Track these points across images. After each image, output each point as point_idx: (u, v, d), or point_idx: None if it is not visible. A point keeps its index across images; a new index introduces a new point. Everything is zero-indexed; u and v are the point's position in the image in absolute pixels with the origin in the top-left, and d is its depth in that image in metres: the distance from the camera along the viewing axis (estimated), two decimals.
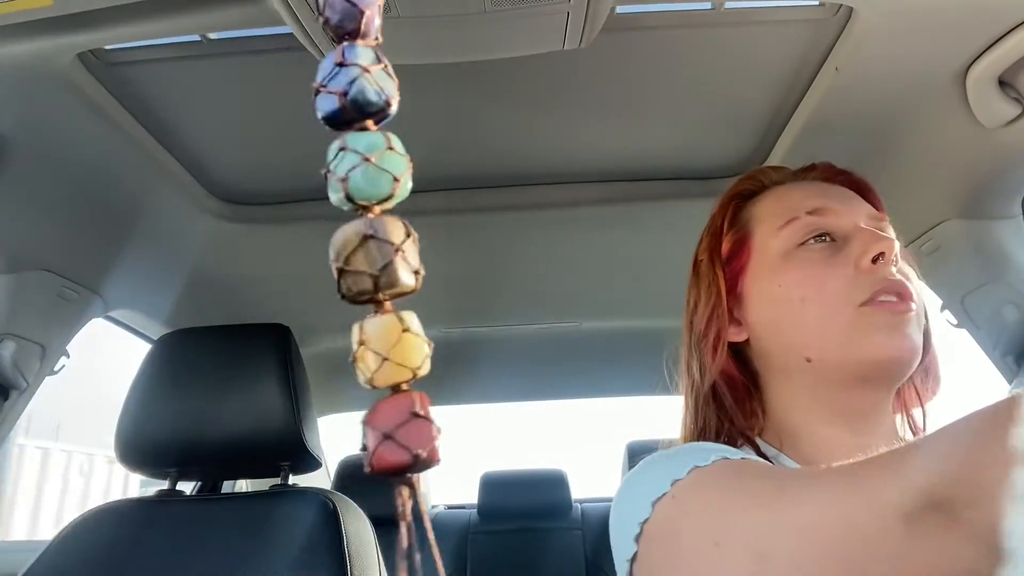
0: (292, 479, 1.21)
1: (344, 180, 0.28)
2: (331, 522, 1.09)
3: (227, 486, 1.71)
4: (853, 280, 0.63)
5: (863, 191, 0.74)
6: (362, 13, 0.29)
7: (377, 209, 0.29)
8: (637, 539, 0.57)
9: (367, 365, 0.28)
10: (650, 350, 0.98)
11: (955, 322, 1.20)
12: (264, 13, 0.71)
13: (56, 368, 1.27)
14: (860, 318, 0.62)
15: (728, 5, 0.81)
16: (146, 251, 1.28)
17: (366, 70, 0.29)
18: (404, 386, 0.29)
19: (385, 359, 0.28)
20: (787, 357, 0.66)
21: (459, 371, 2.29)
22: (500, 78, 0.94)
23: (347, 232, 0.29)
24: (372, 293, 0.28)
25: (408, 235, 0.29)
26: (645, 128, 1.07)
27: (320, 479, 2.33)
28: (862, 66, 0.84)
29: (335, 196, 0.28)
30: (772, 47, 0.89)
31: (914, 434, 0.69)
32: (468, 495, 2.63)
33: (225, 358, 1.15)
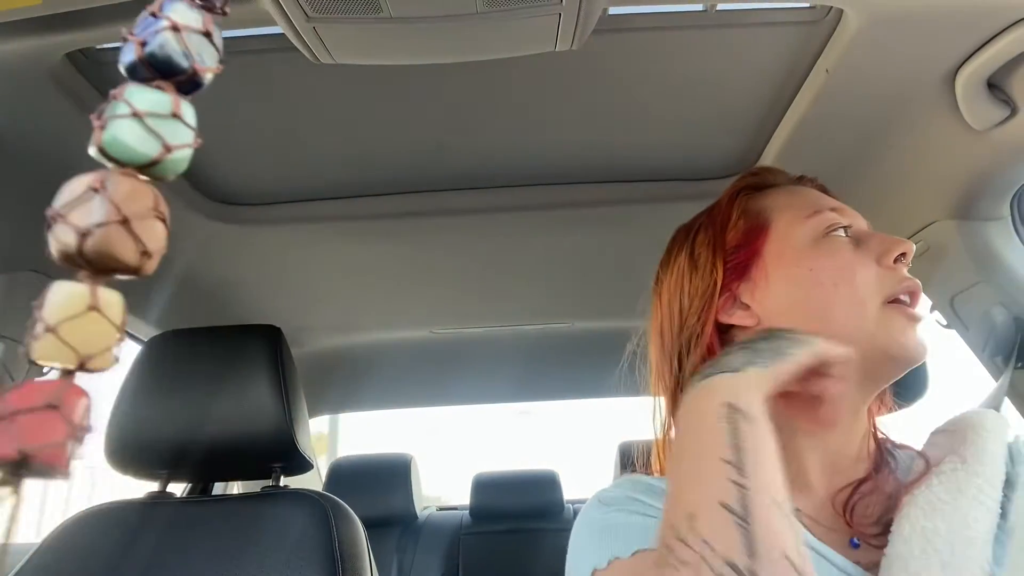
0: (283, 480, 1.21)
1: (102, 128, 0.25)
2: (322, 524, 1.08)
3: (218, 488, 1.70)
4: (879, 275, 0.65)
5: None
6: None
7: (131, 171, 0.25)
8: None
9: (31, 331, 0.24)
10: (642, 351, 0.98)
11: (944, 323, 1.20)
12: (255, 14, 0.71)
13: (44, 370, 1.26)
14: (884, 313, 0.64)
15: (720, 7, 0.82)
16: None
17: (175, 27, 0.25)
18: (74, 375, 0.24)
19: (49, 330, 0.23)
20: None
21: (450, 372, 2.29)
22: (492, 79, 0.94)
23: (78, 181, 0.25)
24: (77, 255, 0.24)
25: (155, 209, 0.25)
26: (636, 129, 1.07)
27: (312, 481, 2.33)
28: (852, 68, 0.85)
29: (91, 148, 0.25)
30: (763, 49, 0.89)
31: (876, 442, 0.71)
32: (461, 496, 2.63)
33: (216, 359, 1.15)
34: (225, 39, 0.92)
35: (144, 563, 1.03)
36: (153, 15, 0.25)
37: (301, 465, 1.20)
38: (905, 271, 0.67)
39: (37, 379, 0.23)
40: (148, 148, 0.25)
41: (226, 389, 1.12)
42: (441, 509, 2.68)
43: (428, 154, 1.12)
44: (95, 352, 0.24)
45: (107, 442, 1.11)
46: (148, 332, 1.49)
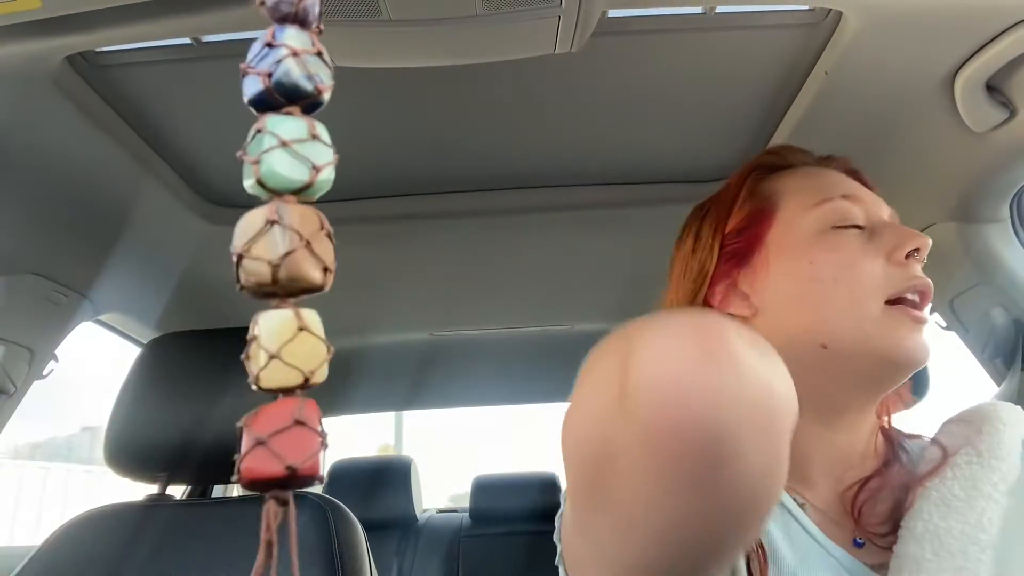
0: None
1: (257, 163, 0.26)
2: (322, 526, 1.08)
3: (218, 490, 1.70)
4: (885, 272, 0.62)
5: (874, 192, 0.72)
6: None
7: (291, 198, 0.26)
8: (559, 537, 0.58)
9: (255, 362, 0.26)
10: None
11: (944, 324, 1.20)
12: (255, 16, 0.71)
13: (44, 372, 1.26)
14: (886, 313, 0.61)
15: (719, 9, 0.82)
16: (136, 254, 1.27)
17: (295, 52, 0.27)
18: (297, 392, 0.26)
19: (273, 357, 0.25)
20: (800, 339, 0.62)
21: (450, 375, 2.29)
22: (491, 82, 0.94)
23: (252, 217, 0.26)
24: (270, 285, 0.26)
25: (322, 228, 0.27)
26: (635, 132, 1.07)
27: None
28: (851, 70, 0.85)
29: (247, 181, 0.26)
30: (762, 51, 0.89)
31: (886, 438, 0.68)
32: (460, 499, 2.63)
33: (216, 361, 1.15)
34: (224, 42, 0.92)
35: (143, 565, 1.03)
36: (269, 45, 0.27)
37: None
38: (918, 268, 0.63)
39: (278, 401, 0.26)
40: (300, 174, 0.26)
41: (225, 391, 1.12)
42: (441, 512, 2.68)
43: (426, 157, 1.12)
44: (314, 368, 0.26)
45: (107, 444, 1.11)
46: (148, 335, 1.49)
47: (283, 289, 0.26)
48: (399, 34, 0.73)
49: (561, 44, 0.76)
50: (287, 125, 0.26)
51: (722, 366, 0.35)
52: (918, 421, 0.75)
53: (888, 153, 1.02)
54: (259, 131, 0.26)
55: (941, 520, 0.54)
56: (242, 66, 0.27)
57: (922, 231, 1.11)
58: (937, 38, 0.78)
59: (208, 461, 1.13)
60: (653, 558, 0.40)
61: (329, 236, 0.27)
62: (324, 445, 0.26)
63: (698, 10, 0.82)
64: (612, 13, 0.80)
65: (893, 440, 0.67)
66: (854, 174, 0.73)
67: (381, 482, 2.41)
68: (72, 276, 1.24)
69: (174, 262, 1.35)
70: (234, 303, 1.55)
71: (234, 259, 0.26)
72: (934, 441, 0.64)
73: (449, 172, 1.17)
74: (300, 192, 0.26)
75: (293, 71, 0.26)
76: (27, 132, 0.92)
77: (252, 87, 0.27)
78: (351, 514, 1.14)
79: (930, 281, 0.63)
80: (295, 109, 0.27)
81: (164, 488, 1.16)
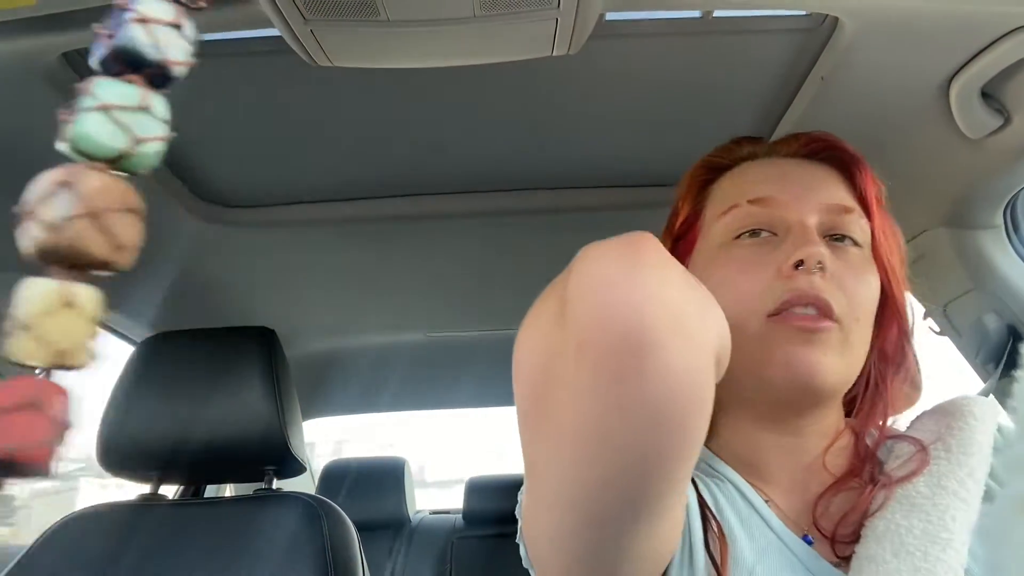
0: (276, 483, 1.20)
1: (69, 121, 0.24)
2: (315, 527, 1.08)
3: (210, 490, 1.69)
4: (768, 287, 0.58)
5: (849, 170, 0.66)
6: None
7: (101, 166, 0.24)
8: (519, 512, 0.58)
9: (6, 331, 0.23)
10: None
11: (937, 329, 1.21)
12: (251, 15, 0.71)
13: (37, 371, 1.25)
14: (768, 331, 0.57)
15: (716, 14, 0.82)
16: None
17: (144, 19, 0.25)
18: (44, 372, 0.23)
19: (23, 328, 0.23)
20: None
21: (445, 375, 2.28)
22: (488, 83, 0.94)
23: (48, 176, 0.24)
24: (45, 250, 0.24)
25: (127, 204, 0.24)
26: (631, 135, 1.07)
27: (305, 484, 2.32)
28: (847, 76, 0.85)
29: (59, 143, 0.24)
30: (759, 56, 0.89)
31: (857, 441, 0.64)
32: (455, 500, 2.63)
33: (210, 361, 1.14)
34: (221, 41, 0.92)
35: (135, 565, 1.03)
36: (121, 8, 0.25)
37: (294, 468, 1.19)
38: (810, 278, 0.57)
39: (14, 378, 0.23)
40: (116, 141, 0.24)
41: (219, 391, 1.11)
42: (434, 513, 2.67)
43: (424, 158, 1.12)
44: (71, 348, 0.23)
45: (99, 444, 1.11)
46: (141, 333, 1.48)
47: (62, 259, 0.24)
48: (396, 35, 0.73)
49: (559, 46, 0.76)
50: (114, 90, 0.24)
51: (647, 269, 0.39)
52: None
53: (883, 159, 1.02)
54: (82, 91, 0.24)
55: (903, 519, 0.53)
56: (95, 27, 0.25)
57: (916, 237, 1.13)
58: (933, 45, 0.79)
59: (200, 461, 1.13)
60: (589, 480, 0.42)
61: (136, 213, 0.25)
62: (59, 435, 0.23)
63: (696, 14, 0.82)
64: (610, 16, 0.80)
65: (866, 445, 0.63)
66: (822, 152, 0.67)
67: (374, 483, 2.41)
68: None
69: (169, 261, 1.35)
70: (229, 303, 1.55)
71: (19, 218, 0.23)
72: (907, 437, 0.62)
73: (445, 174, 1.17)
74: (115, 162, 0.24)
75: (137, 38, 0.24)
76: (21, 130, 0.91)
77: (97, 49, 0.25)
78: (344, 515, 1.14)
79: (818, 291, 0.56)
80: (136, 78, 0.25)
81: (156, 488, 1.16)
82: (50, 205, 0.23)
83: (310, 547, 1.05)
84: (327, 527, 1.08)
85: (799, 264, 0.57)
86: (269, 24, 0.71)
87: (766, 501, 0.60)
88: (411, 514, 2.47)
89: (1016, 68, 0.79)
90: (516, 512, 0.59)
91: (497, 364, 2.19)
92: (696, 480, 0.61)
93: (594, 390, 0.39)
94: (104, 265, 0.24)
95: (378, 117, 1.00)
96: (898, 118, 0.92)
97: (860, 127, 0.96)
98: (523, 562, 0.58)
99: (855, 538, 0.56)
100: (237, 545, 1.05)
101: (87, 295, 0.24)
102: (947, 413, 0.62)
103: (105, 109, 0.24)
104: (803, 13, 0.81)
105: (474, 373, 2.25)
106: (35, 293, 0.23)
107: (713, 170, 0.69)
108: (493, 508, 2.41)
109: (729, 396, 0.61)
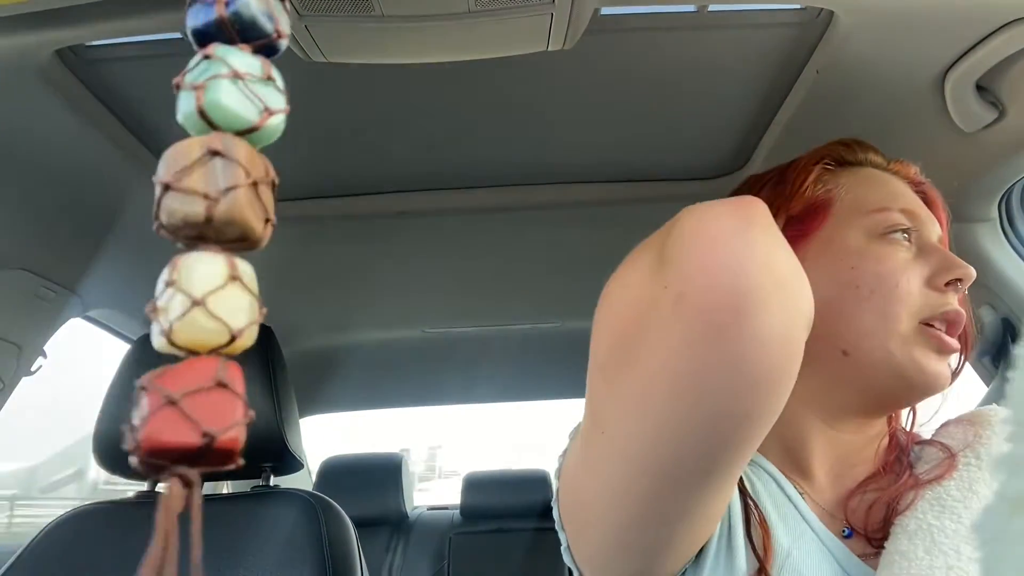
0: (274, 480, 1.20)
1: (200, 88, 0.22)
2: (312, 523, 1.08)
3: (208, 487, 1.69)
4: (924, 293, 0.61)
5: (933, 208, 0.70)
6: None
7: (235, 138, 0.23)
8: (558, 474, 0.58)
9: (169, 313, 0.21)
10: None
11: None
12: None
13: (33, 369, 1.25)
14: (916, 335, 0.60)
15: (711, 8, 0.82)
16: (126, 250, 1.26)
17: None
18: (218, 355, 0.22)
19: (196, 304, 0.21)
20: (823, 340, 0.59)
21: (442, 371, 2.29)
22: (483, 79, 0.94)
23: (186, 145, 0.22)
24: (202, 225, 0.22)
25: (268, 176, 0.23)
26: (626, 130, 1.07)
27: (302, 480, 2.32)
28: (842, 69, 0.85)
29: (184, 109, 0.23)
30: (754, 49, 0.89)
31: (893, 442, 0.67)
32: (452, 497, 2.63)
33: None
34: None
35: (131, 563, 1.03)
36: None
37: (291, 465, 1.19)
38: (955, 298, 0.62)
39: (191, 358, 0.21)
40: (249, 112, 0.23)
41: None
42: (431, 509, 2.68)
43: (420, 154, 1.12)
44: (243, 326, 0.22)
45: (96, 441, 1.10)
46: (137, 330, 1.48)
47: (216, 233, 0.22)
48: (391, 30, 0.73)
49: (554, 42, 0.76)
50: (241, 57, 0.23)
51: (758, 230, 0.40)
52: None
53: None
54: (207, 57, 0.22)
55: (935, 519, 0.54)
56: None
57: None
58: (928, 38, 0.79)
59: None
60: (670, 435, 0.42)
61: (274, 187, 0.24)
62: (248, 418, 0.21)
63: (691, 8, 0.82)
64: (605, 10, 0.80)
65: (901, 445, 0.66)
66: (919, 185, 0.71)
67: (372, 479, 2.41)
68: (61, 272, 1.23)
69: (165, 258, 1.34)
70: None
71: (158, 191, 0.22)
72: (935, 442, 0.64)
73: (441, 169, 1.17)
74: (245, 134, 0.23)
75: (254, 4, 0.23)
76: (15, 126, 0.91)
77: (202, 15, 0.23)
78: (341, 511, 1.14)
79: (963, 313, 0.61)
80: (247, 48, 0.23)
81: (153, 485, 1.16)
82: (203, 174, 0.21)
83: (308, 543, 1.05)
84: (325, 523, 1.09)
85: (952, 282, 0.62)
86: None
87: (801, 494, 0.62)
88: (409, 510, 2.47)
89: (1011, 61, 0.79)
90: (553, 474, 0.60)
91: (495, 360, 2.20)
92: None
93: (690, 345, 0.40)
94: (254, 241, 0.23)
95: (373, 113, 1.00)
96: (893, 111, 0.92)
97: (855, 120, 0.96)
98: (556, 524, 0.59)
99: (884, 535, 0.57)
100: (235, 542, 1.05)
101: (247, 270, 0.23)
102: (974, 423, 0.64)
103: (239, 77, 0.22)
104: (798, 7, 0.81)
105: (471, 369, 2.26)
106: (203, 268, 0.21)
107: (839, 161, 0.71)
108: (491, 504, 2.42)
109: (820, 384, 0.63)
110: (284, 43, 0.24)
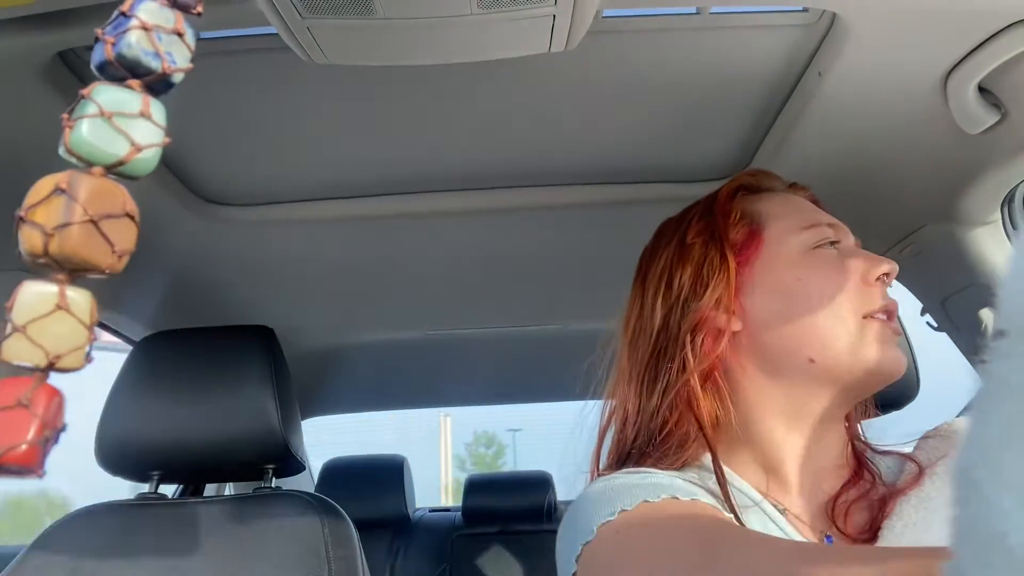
0: (275, 482, 1.21)
1: (69, 127, 0.24)
2: (314, 525, 1.08)
3: (210, 489, 1.70)
4: (860, 290, 0.67)
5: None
6: None
7: (98, 171, 0.24)
8: (577, 559, 0.58)
9: (2, 333, 0.24)
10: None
11: (936, 325, 1.21)
12: (248, 13, 0.71)
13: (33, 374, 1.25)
14: (863, 328, 0.66)
15: (713, 10, 0.82)
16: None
17: (145, 26, 0.25)
18: (40, 374, 0.23)
19: (17, 330, 0.23)
20: (787, 353, 0.67)
21: (444, 373, 2.28)
22: (485, 80, 0.94)
23: (45, 181, 0.24)
24: (42, 255, 0.24)
25: (126, 213, 0.25)
26: (628, 132, 1.07)
27: (304, 482, 2.32)
28: (845, 71, 0.85)
29: (60, 148, 0.25)
30: (757, 52, 0.89)
31: (854, 448, 0.72)
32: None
33: (208, 360, 1.14)
34: (219, 39, 0.91)
35: (135, 565, 1.03)
36: (123, 14, 0.25)
37: (293, 466, 1.19)
38: (886, 291, 0.69)
39: (3, 379, 0.23)
40: (115, 148, 0.24)
41: (218, 390, 1.11)
42: (433, 511, 2.68)
43: (422, 155, 1.11)
44: (64, 351, 0.24)
45: (98, 443, 1.11)
46: (140, 332, 1.48)
47: (59, 264, 0.24)
48: (393, 32, 0.73)
49: (556, 43, 0.76)
50: (114, 95, 0.25)
51: None
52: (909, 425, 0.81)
53: (881, 154, 1.02)
54: (83, 96, 0.24)
55: (921, 517, 0.58)
56: (97, 31, 0.25)
57: (914, 232, 1.13)
58: (930, 40, 0.79)
59: (200, 460, 1.13)
60: None
61: (132, 218, 0.25)
62: (50, 438, 0.23)
63: (693, 10, 0.82)
64: (607, 12, 0.80)
65: (860, 454, 0.71)
66: (816, 203, 0.79)
67: (374, 481, 2.41)
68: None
69: (167, 260, 1.35)
70: (228, 301, 1.55)
71: (16, 223, 0.24)
72: (910, 458, 0.68)
73: (443, 171, 1.17)
74: (113, 167, 0.24)
75: (137, 45, 0.25)
76: (17, 128, 0.91)
77: (97, 54, 0.25)
78: (343, 513, 1.14)
79: (896, 301, 0.69)
80: (136, 83, 0.25)
81: (156, 487, 1.16)
82: (47, 209, 0.23)
83: (310, 545, 1.05)
84: (327, 525, 1.09)
85: (882, 277, 0.68)
86: (266, 22, 0.71)
87: (782, 512, 0.65)
88: (411, 512, 2.47)
89: (1013, 63, 0.79)
90: (564, 556, 0.62)
91: (497, 361, 2.20)
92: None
93: None
94: (100, 270, 0.25)
95: (376, 115, 1.00)
96: (895, 113, 0.92)
97: (857, 123, 0.96)
98: None
99: (869, 538, 0.61)
100: (237, 544, 1.05)
101: (80, 298, 0.24)
102: (952, 434, 0.69)
103: (105, 115, 0.24)
104: (800, 9, 0.81)
105: (474, 371, 2.25)
106: (30, 296, 0.24)
107: (751, 190, 0.78)
108: (493, 506, 2.42)
109: (787, 392, 0.68)
110: (178, 77, 0.26)
